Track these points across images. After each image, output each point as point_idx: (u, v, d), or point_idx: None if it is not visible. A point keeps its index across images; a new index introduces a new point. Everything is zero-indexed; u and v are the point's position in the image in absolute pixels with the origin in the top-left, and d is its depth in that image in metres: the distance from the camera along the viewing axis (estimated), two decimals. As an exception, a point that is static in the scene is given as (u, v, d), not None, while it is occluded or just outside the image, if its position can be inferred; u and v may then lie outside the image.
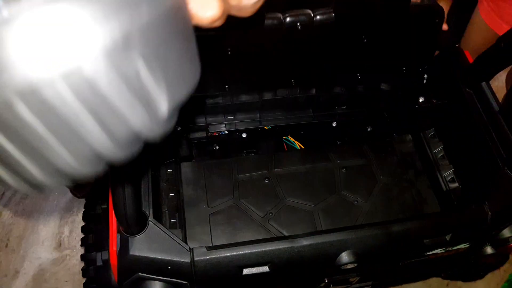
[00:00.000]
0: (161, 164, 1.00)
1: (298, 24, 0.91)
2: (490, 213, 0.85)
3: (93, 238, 1.03)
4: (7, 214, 1.65)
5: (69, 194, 1.66)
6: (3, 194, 1.69)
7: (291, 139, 1.19)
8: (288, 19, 0.91)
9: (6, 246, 1.60)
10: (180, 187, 1.01)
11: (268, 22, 0.90)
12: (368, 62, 1.04)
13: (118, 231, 0.80)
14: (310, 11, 0.91)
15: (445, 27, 0.97)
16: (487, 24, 1.17)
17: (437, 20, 0.96)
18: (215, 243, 0.96)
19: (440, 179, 1.03)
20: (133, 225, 0.75)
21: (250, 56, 0.98)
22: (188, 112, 1.17)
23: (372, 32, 0.97)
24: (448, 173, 1.02)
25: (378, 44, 1.00)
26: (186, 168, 1.06)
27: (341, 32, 0.95)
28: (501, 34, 0.83)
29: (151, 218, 0.79)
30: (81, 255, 1.02)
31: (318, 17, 0.92)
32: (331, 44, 0.98)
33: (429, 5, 0.96)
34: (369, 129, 1.18)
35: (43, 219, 1.65)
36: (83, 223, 1.16)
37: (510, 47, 0.81)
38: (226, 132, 1.20)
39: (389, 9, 0.93)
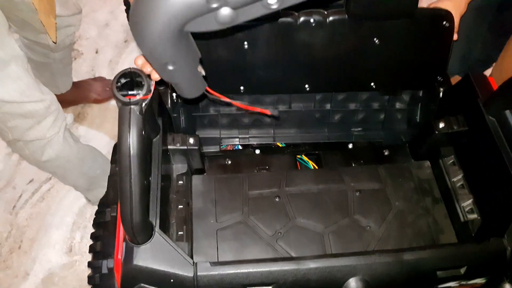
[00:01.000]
0: (173, 176, 1.00)
1: (312, 21, 0.94)
2: (509, 248, 0.81)
3: (101, 245, 1.03)
4: (22, 216, 1.68)
5: (83, 200, 1.67)
6: (20, 196, 1.72)
7: (305, 158, 1.18)
8: (302, 18, 0.94)
9: (19, 247, 1.62)
10: (190, 199, 1.01)
11: (282, 19, 0.94)
12: (381, 67, 1.06)
13: (124, 240, 0.80)
14: (324, 11, 0.94)
15: (455, 36, 0.97)
16: None
17: (446, 24, 0.97)
18: (221, 259, 0.94)
19: (458, 209, 0.99)
20: (139, 234, 0.75)
21: (266, 53, 1.00)
22: (202, 124, 1.18)
23: (384, 35, 0.98)
24: (467, 203, 0.98)
25: (391, 47, 1.02)
26: (197, 181, 1.05)
27: (353, 32, 0.98)
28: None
29: (157, 228, 0.78)
30: (88, 262, 1.01)
31: (331, 17, 0.94)
32: (344, 45, 1.00)
33: (434, 8, 0.98)
34: (386, 153, 1.16)
35: (56, 223, 1.66)
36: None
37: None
38: (240, 147, 1.20)
39: (398, 10, 0.95)
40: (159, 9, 0.43)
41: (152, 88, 0.70)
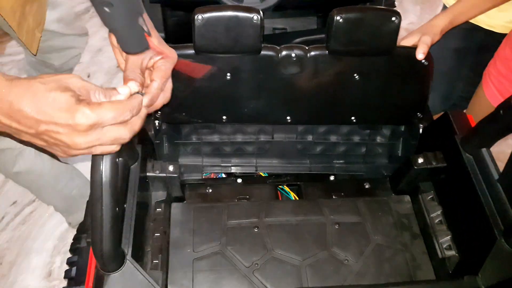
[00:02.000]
0: (151, 203, 1.00)
1: (293, 55, 0.96)
2: (483, 287, 0.81)
3: (76, 271, 1.01)
4: (3, 239, 1.66)
5: (65, 225, 1.66)
6: (2, 218, 1.70)
7: (287, 188, 1.18)
8: (283, 52, 0.96)
9: (-3, 271, 1.59)
10: (168, 228, 1.00)
11: (264, 52, 0.96)
12: (362, 103, 1.08)
13: (96, 267, 0.79)
14: (305, 46, 0.97)
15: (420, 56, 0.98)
16: (488, 99, 1.16)
17: (424, 62, 0.99)
18: None
19: (437, 245, 0.98)
20: (109, 262, 0.74)
21: (248, 84, 1.02)
22: (185, 152, 1.19)
23: (364, 71, 1.01)
24: (445, 240, 0.98)
25: (370, 83, 1.03)
26: (176, 209, 1.05)
27: (333, 68, 1.00)
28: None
29: (129, 257, 0.78)
30: (62, 288, 1.00)
31: (312, 52, 0.96)
32: (325, 79, 1.02)
33: (413, 47, 1.00)
34: (367, 186, 1.16)
35: (37, 248, 1.64)
36: (70, 255, 1.15)
37: (508, 116, 0.79)
38: (222, 175, 1.20)
39: (377, 49, 0.97)
40: None
41: None
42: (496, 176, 0.87)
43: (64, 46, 1.48)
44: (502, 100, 1.12)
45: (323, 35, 0.99)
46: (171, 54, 0.75)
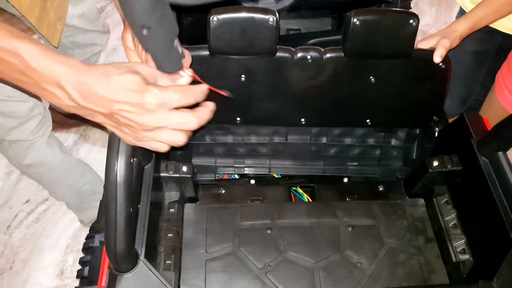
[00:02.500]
0: (164, 203, 1.00)
1: (309, 57, 0.95)
2: (499, 292, 0.80)
3: (88, 271, 1.02)
4: (16, 237, 1.68)
5: (78, 223, 1.67)
6: (16, 216, 1.72)
7: (300, 190, 1.17)
8: (299, 54, 0.95)
9: (11, 268, 1.61)
10: (181, 228, 1.00)
11: (280, 53, 0.95)
12: (377, 105, 1.07)
13: (109, 267, 0.79)
14: (321, 48, 0.96)
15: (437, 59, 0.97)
16: (501, 102, 1.15)
17: (442, 65, 0.97)
18: None
19: (451, 249, 0.97)
20: (122, 262, 0.74)
21: (263, 86, 1.02)
22: (198, 152, 1.19)
23: (380, 74, 1.00)
24: (459, 244, 0.97)
25: (387, 86, 1.02)
26: (189, 210, 1.05)
27: (349, 70, 0.99)
28: (512, 113, 0.81)
29: (142, 257, 0.78)
30: None
31: (328, 54, 0.96)
32: (340, 82, 1.01)
33: (431, 50, 0.98)
34: (381, 189, 1.16)
35: (50, 245, 1.66)
36: (84, 254, 1.16)
37: (526, 120, 0.79)
38: (236, 176, 1.20)
39: (394, 52, 0.96)
40: None
41: None
42: (513, 180, 0.86)
43: (87, 43, 1.49)
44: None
45: (338, 36, 0.99)
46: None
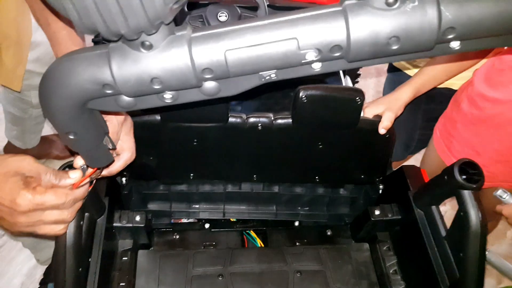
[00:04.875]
0: (117, 252, 1.02)
1: (259, 125, 0.99)
2: None
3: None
4: (-32, 274, 1.63)
5: (33, 261, 1.65)
6: (-31, 253, 1.67)
7: (253, 234, 1.22)
8: (250, 119, 0.99)
9: (-39, 308, 1.56)
10: (133, 277, 1.02)
11: (232, 120, 0.98)
12: (325, 166, 1.12)
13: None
14: (271, 115, 0.99)
15: (382, 131, 1.03)
16: (439, 155, 1.24)
17: (386, 135, 1.04)
18: None
19: (391, 294, 1.03)
20: None
21: (215, 148, 1.05)
22: (154, 199, 1.21)
23: (327, 141, 1.04)
24: (399, 290, 1.03)
25: (334, 152, 1.07)
26: (142, 257, 1.07)
27: (298, 136, 1.03)
28: (448, 165, 0.89)
29: None
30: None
31: (278, 121, 0.99)
32: (290, 146, 1.06)
33: (375, 120, 1.04)
34: (329, 233, 1.22)
35: (3, 284, 1.62)
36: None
37: (450, 182, 0.86)
38: (191, 220, 1.24)
39: (340, 124, 1.00)
40: (60, 86, 0.48)
41: (94, 180, 0.74)
42: (443, 233, 0.93)
43: None
44: (451, 157, 1.20)
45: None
46: (116, 118, 0.75)
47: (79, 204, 0.64)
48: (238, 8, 1.10)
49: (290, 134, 1.01)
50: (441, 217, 0.96)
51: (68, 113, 0.50)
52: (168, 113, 0.94)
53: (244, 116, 0.98)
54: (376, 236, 1.13)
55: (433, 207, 0.98)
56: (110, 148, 0.63)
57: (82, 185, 0.63)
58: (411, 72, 1.36)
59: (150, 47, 0.44)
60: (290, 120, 0.99)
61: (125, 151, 0.78)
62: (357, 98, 0.93)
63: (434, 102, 1.33)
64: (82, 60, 0.46)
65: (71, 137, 0.54)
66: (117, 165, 0.77)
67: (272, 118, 0.99)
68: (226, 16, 1.08)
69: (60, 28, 0.72)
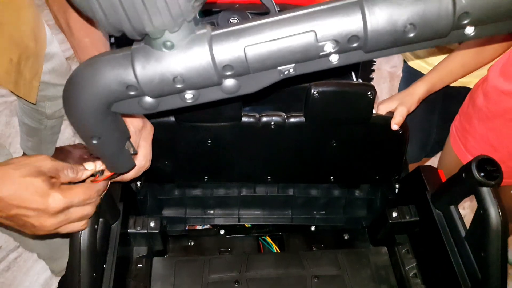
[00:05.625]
0: (132, 258, 1.01)
1: (272, 123, 0.99)
2: None
3: (56, 327, 1.02)
4: (-14, 286, 1.64)
5: (49, 272, 1.65)
6: (-14, 264, 1.69)
7: (269, 239, 1.20)
8: (263, 118, 0.99)
9: (-21, 319, 1.57)
10: (148, 284, 1.01)
11: (245, 119, 0.98)
12: (340, 165, 1.11)
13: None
14: (283, 114, 1.00)
15: (395, 127, 1.01)
16: (455, 153, 1.22)
17: (400, 131, 1.02)
18: None
19: (412, 298, 1.01)
20: None
21: (228, 148, 1.05)
22: (168, 204, 1.21)
23: (340, 138, 1.03)
24: (420, 293, 1.00)
25: (347, 149, 1.06)
26: (157, 264, 1.06)
27: (311, 135, 1.02)
28: (465, 163, 0.87)
29: None
30: None
31: (291, 119, 0.99)
32: (303, 144, 1.05)
33: (389, 116, 1.03)
34: (346, 237, 1.19)
35: (20, 295, 1.63)
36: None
37: (469, 180, 0.84)
38: (206, 226, 1.23)
39: (353, 120, 1.00)
40: (85, 90, 0.49)
41: (109, 182, 0.74)
42: (463, 234, 0.91)
43: (57, 95, 1.52)
44: (468, 155, 1.18)
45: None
46: (132, 125, 0.76)
47: (98, 199, 0.64)
48: (249, 14, 1.11)
49: (303, 132, 1.01)
50: (460, 217, 0.94)
51: (93, 117, 0.51)
52: (183, 114, 0.95)
53: (257, 115, 0.98)
54: (395, 238, 1.10)
55: (452, 207, 0.95)
56: (132, 153, 0.64)
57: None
58: (426, 71, 1.34)
59: (172, 47, 0.45)
60: (303, 118, 0.99)
61: (139, 158, 0.79)
62: (369, 93, 0.93)
63: (451, 101, 1.30)
64: (106, 62, 0.47)
65: (95, 141, 0.55)
66: (131, 173, 0.78)
67: (285, 117, 0.99)
68: (237, 22, 1.09)
69: (83, 36, 0.74)
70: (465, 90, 1.25)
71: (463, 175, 0.86)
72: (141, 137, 0.78)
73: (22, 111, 1.59)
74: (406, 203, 1.08)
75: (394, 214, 1.05)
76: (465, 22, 0.44)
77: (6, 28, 1.11)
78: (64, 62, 1.51)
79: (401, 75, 1.53)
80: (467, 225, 0.91)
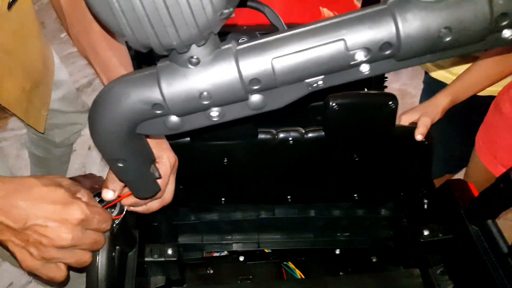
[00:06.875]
0: (149, 290, 0.96)
1: (290, 139, 0.95)
2: None
3: None
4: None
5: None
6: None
7: (292, 265, 1.14)
8: (281, 134, 0.96)
9: None
10: (167, 316, 0.95)
11: (261, 136, 0.95)
12: (363, 181, 1.06)
13: None
14: (301, 129, 0.96)
15: (419, 137, 0.97)
16: (485, 165, 1.16)
17: (425, 141, 0.97)
18: None
19: (451, 324, 0.93)
20: None
21: (245, 167, 1.01)
22: (184, 231, 1.16)
23: (362, 152, 0.99)
24: (460, 319, 0.93)
25: (370, 163, 1.02)
26: (175, 295, 1.00)
27: (332, 149, 0.98)
28: (497, 174, 0.81)
29: None
30: None
31: (309, 134, 0.96)
32: (323, 161, 1.01)
33: (412, 126, 0.99)
34: (374, 260, 1.12)
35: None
36: None
37: (508, 190, 0.78)
38: (224, 253, 1.17)
39: (374, 130, 0.96)
40: (112, 109, 0.48)
41: (125, 208, 0.70)
42: (505, 250, 0.84)
43: (66, 123, 1.51)
44: (499, 165, 1.12)
45: None
46: (168, 160, 0.72)
47: (110, 227, 0.61)
48: (259, 34, 1.09)
49: (323, 147, 0.97)
50: (499, 231, 0.88)
51: (118, 139, 0.51)
52: (198, 134, 0.92)
53: (273, 131, 0.95)
54: (427, 259, 1.03)
55: (489, 221, 0.89)
56: (157, 177, 0.62)
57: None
58: (450, 81, 1.30)
59: (197, 63, 0.44)
60: (322, 133, 0.95)
61: (167, 192, 0.75)
62: (390, 102, 0.89)
63: (472, 112, 1.25)
64: (132, 82, 0.47)
65: (120, 164, 0.54)
66: (155, 205, 0.75)
67: (303, 131, 0.95)
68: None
69: (111, 56, 0.72)
70: (485, 100, 1.20)
71: (501, 185, 0.80)
72: (172, 172, 0.75)
73: (31, 141, 1.57)
74: (436, 220, 1.01)
75: (426, 233, 0.98)
76: (504, 23, 0.41)
77: (16, 56, 1.09)
78: (73, 90, 1.50)
79: (412, 92, 1.49)
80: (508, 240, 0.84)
